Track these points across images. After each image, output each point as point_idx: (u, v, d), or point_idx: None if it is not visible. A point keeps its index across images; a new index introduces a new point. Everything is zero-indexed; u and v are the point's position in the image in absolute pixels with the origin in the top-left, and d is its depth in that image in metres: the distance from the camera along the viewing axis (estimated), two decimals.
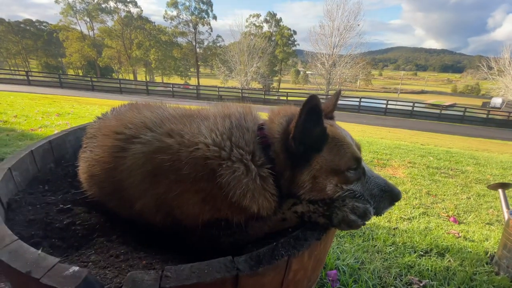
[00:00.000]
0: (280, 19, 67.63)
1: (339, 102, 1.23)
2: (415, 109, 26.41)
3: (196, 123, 0.95)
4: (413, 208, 3.55)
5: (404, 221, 3.17)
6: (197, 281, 0.66)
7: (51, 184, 1.29)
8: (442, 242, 2.63)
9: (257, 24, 63.52)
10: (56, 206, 1.09)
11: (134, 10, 53.56)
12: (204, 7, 54.06)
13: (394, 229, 2.93)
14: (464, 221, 3.33)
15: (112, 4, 51.63)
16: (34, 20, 67.62)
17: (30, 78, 26.14)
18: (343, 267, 2.12)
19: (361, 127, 16.12)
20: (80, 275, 0.65)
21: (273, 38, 62.98)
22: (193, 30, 54.67)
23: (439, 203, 3.79)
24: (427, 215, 3.39)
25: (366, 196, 0.97)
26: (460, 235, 2.87)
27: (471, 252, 2.49)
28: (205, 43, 58.15)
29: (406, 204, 3.64)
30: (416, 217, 3.27)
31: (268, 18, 66.39)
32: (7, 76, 28.71)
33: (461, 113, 26.31)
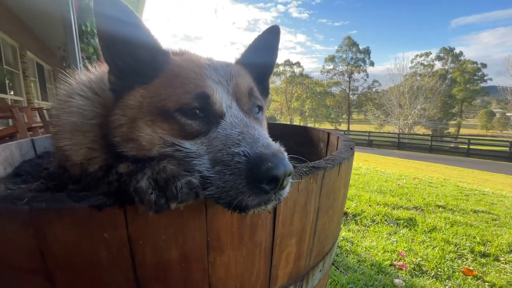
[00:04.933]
0: (460, 53, 55.77)
1: None
2: None
3: None
4: None
5: None
6: None
7: None
8: None
9: (426, 63, 55.65)
10: None
11: (297, 70, 63.33)
12: (361, 56, 54.78)
13: None
14: None
15: (281, 68, 63.98)
16: None
17: None
18: None
19: None
20: None
21: (448, 76, 52.29)
22: (348, 79, 56.08)
23: None
24: None
25: (204, 161, 0.54)
26: None
27: None
28: (360, 90, 57.49)
29: None
30: None
31: (442, 54, 56.75)
32: None
33: None
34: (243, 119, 0.64)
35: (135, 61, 0.69)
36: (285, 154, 0.59)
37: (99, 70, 0.87)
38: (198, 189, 0.51)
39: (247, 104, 0.74)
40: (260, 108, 0.82)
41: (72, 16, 5.22)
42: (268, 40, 0.90)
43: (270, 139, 0.60)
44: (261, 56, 0.92)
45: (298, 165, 0.83)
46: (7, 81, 9.26)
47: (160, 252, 0.64)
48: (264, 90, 0.96)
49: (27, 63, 10.61)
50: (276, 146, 0.58)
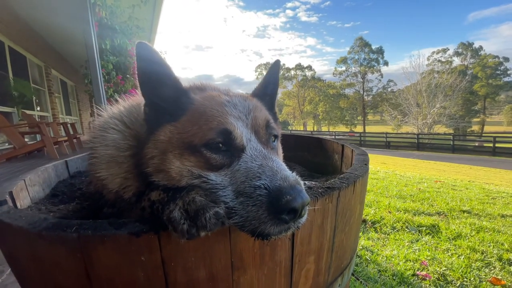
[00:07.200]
0: (480, 48, 53.53)
1: None
2: None
3: None
4: None
5: None
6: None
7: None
8: None
9: (443, 60, 53.82)
10: None
11: (308, 73, 63.03)
12: (374, 56, 53.78)
13: None
14: None
15: (292, 72, 63.96)
16: None
17: None
18: None
19: None
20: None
21: (469, 72, 50.17)
22: (361, 80, 55.11)
23: None
24: None
25: (228, 192, 0.60)
26: None
27: None
28: (374, 90, 56.28)
29: None
30: None
31: (460, 50, 54.72)
32: None
33: None
34: (261, 151, 0.70)
35: (163, 100, 0.77)
36: (302, 184, 0.63)
37: (128, 102, 0.96)
38: (224, 219, 0.57)
39: (264, 136, 0.79)
40: (276, 137, 0.88)
41: (93, 36, 5.55)
42: (274, 72, 1.01)
43: (287, 170, 0.65)
44: (269, 87, 1.02)
45: (314, 185, 0.87)
46: (34, 98, 9.90)
47: (189, 272, 0.70)
48: (273, 117, 1.03)
49: (52, 81, 11.30)
50: (293, 177, 0.62)
